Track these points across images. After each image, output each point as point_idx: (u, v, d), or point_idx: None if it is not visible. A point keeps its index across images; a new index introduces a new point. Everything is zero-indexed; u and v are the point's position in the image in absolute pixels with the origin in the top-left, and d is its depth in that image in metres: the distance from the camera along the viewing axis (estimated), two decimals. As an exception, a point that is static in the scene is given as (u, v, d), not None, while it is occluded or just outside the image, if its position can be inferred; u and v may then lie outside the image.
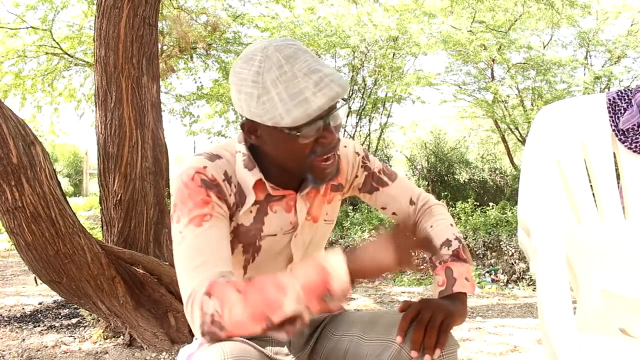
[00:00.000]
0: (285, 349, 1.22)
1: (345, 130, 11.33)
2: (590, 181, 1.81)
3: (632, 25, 10.13)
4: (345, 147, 1.31)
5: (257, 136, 1.12)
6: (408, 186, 1.37)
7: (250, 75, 1.03)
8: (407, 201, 1.34)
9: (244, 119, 1.12)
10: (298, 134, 1.04)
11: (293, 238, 1.22)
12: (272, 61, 1.02)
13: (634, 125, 1.79)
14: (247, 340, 1.05)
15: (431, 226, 1.31)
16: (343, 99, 1.08)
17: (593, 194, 1.80)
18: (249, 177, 1.15)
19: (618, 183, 1.82)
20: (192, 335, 1.31)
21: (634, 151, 1.80)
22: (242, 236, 1.17)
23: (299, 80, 1.01)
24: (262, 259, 1.21)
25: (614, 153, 1.83)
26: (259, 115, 1.04)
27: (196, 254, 1.05)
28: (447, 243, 1.25)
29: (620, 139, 1.81)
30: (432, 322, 1.07)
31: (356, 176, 1.33)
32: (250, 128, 1.12)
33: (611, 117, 1.84)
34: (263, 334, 1.00)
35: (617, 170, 1.82)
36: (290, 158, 1.11)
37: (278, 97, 1.01)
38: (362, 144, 11.54)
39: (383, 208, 1.35)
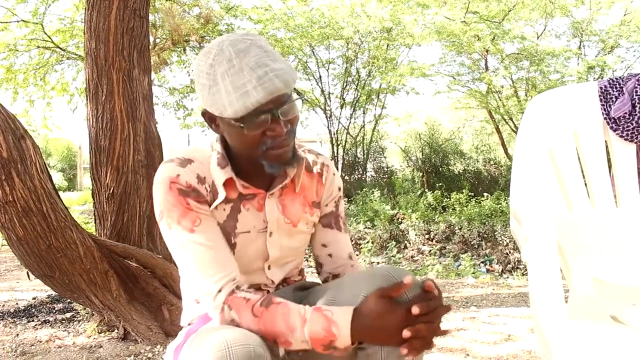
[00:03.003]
0: None
1: (339, 122, 11.34)
2: (581, 169, 1.81)
3: (625, 15, 10.14)
4: (334, 174, 1.37)
5: (217, 125, 1.18)
6: (350, 245, 1.41)
7: (205, 67, 1.10)
8: (347, 254, 1.37)
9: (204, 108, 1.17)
10: (241, 125, 1.10)
11: (268, 237, 1.25)
12: (224, 55, 1.08)
13: (625, 113, 1.78)
14: (226, 327, 1.09)
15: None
16: (297, 93, 1.14)
17: (585, 182, 1.80)
18: (220, 175, 1.19)
19: (609, 171, 1.82)
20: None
21: (626, 139, 1.80)
22: None
23: (244, 74, 1.06)
24: (239, 257, 1.22)
25: (606, 141, 1.83)
26: (209, 105, 1.11)
27: (201, 259, 1.14)
28: None
29: (611, 127, 1.81)
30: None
31: (326, 205, 1.36)
32: (209, 117, 1.18)
33: (603, 105, 1.83)
34: None
35: (608, 158, 1.82)
36: (242, 148, 1.16)
37: (225, 89, 1.07)
38: (357, 136, 11.54)
39: (323, 245, 1.36)
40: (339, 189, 1.38)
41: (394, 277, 1.12)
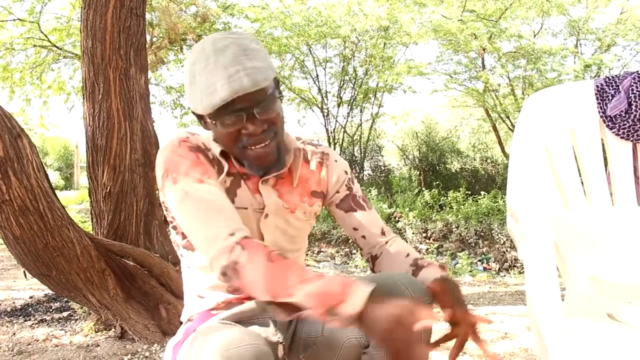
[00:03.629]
0: (271, 329, 1.23)
1: (336, 121, 11.33)
2: (578, 168, 1.81)
3: (621, 13, 10.15)
4: (336, 161, 1.37)
5: (205, 122, 1.19)
6: (379, 218, 1.41)
7: (188, 65, 1.13)
8: (379, 230, 1.37)
9: None
10: (214, 122, 1.13)
11: (262, 218, 1.25)
12: (204, 53, 1.11)
13: (622, 111, 1.79)
14: (235, 324, 1.09)
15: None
16: (279, 93, 1.15)
17: (581, 181, 1.81)
18: (216, 148, 1.22)
19: (606, 169, 1.82)
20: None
21: (622, 137, 1.80)
22: None
23: (217, 72, 1.08)
24: None
25: (602, 139, 1.84)
26: (190, 101, 1.15)
27: (211, 207, 1.09)
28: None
29: (608, 126, 1.81)
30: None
31: (337, 192, 1.36)
32: (197, 114, 1.20)
33: (599, 103, 1.84)
34: (263, 304, 1.04)
35: (604, 156, 1.83)
36: (223, 144, 1.19)
37: (199, 86, 1.10)
38: (354, 134, 11.54)
39: (354, 229, 1.37)
40: (346, 172, 1.37)
41: (403, 287, 1.12)
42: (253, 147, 1.14)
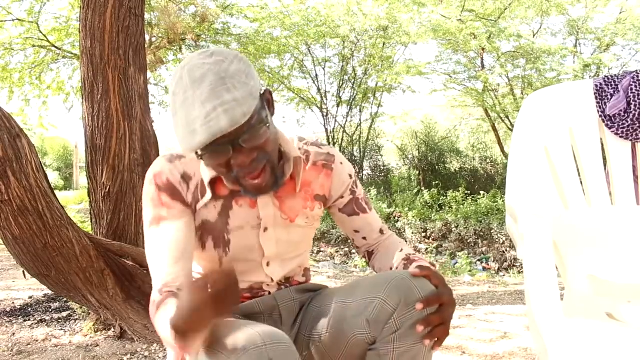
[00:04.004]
0: (278, 326, 1.23)
1: (336, 121, 11.34)
2: (577, 167, 1.81)
3: (621, 13, 10.15)
4: (341, 164, 1.35)
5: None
6: (378, 217, 1.43)
7: (170, 95, 1.08)
8: (378, 230, 1.40)
9: None
10: (200, 156, 1.09)
11: (262, 233, 1.24)
12: (182, 83, 1.05)
13: (621, 111, 1.79)
14: (253, 322, 1.09)
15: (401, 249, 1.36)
16: (260, 120, 1.07)
17: (580, 180, 1.81)
18: (206, 175, 1.19)
19: (605, 169, 1.82)
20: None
21: (621, 137, 1.80)
22: (210, 231, 1.22)
23: (195, 108, 1.02)
24: (236, 254, 1.23)
25: (601, 139, 1.83)
26: (174, 132, 1.09)
27: (156, 255, 1.16)
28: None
29: (607, 125, 1.81)
30: (448, 320, 1.13)
31: (341, 197, 1.36)
32: None
33: (598, 103, 1.84)
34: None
35: (604, 156, 1.83)
36: (217, 174, 1.16)
37: (179, 122, 1.05)
38: (353, 134, 11.54)
39: (356, 231, 1.39)
40: (350, 176, 1.36)
41: (411, 284, 1.12)
42: (247, 178, 1.11)
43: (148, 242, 1.18)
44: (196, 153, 1.09)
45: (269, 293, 1.29)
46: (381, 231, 1.40)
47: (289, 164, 1.23)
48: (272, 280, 1.29)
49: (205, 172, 1.19)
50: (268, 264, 1.27)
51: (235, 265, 1.19)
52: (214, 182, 1.20)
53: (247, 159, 1.08)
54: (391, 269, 1.32)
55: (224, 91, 1.02)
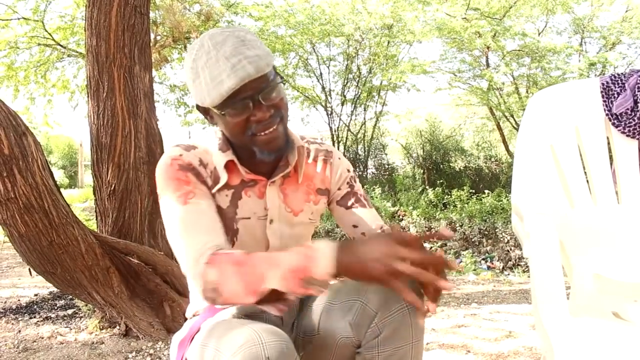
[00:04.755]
0: (279, 325, 1.23)
1: (340, 119, 11.33)
2: (583, 166, 1.80)
3: (626, 11, 10.11)
4: (339, 159, 1.38)
5: (211, 117, 1.21)
6: (379, 216, 1.42)
7: (189, 62, 1.14)
8: (378, 227, 1.37)
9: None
10: (223, 113, 1.13)
11: (268, 224, 1.26)
12: (204, 48, 1.12)
13: (627, 109, 1.78)
14: (252, 320, 1.10)
15: None
16: (280, 77, 1.16)
17: (586, 179, 1.80)
18: (221, 159, 1.23)
19: (611, 167, 1.82)
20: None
21: (627, 135, 1.79)
22: (221, 218, 1.22)
23: (220, 64, 1.09)
24: (241, 243, 1.24)
25: (607, 137, 1.83)
26: (195, 97, 1.15)
27: (190, 228, 1.13)
28: None
29: (613, 123, 1.81)
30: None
31: (339, 189, 1.38)
32: (202, 110, 1.21)
33: (605, 101, 1.83)
34: (256, 304, 1.06)
35: (610, 154, 1.82)
36: (231, 135, 1.20)
37: (204, 80, 1.11)
38: (357, 133, 11.53)
39: (354, 226, 1.36)
40: (348, 170, 1.39)
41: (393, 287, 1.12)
42: (262, 133, 1.15)
43: (176, 218, 1.14)
44: (219, 111, 1.13)
45: None
46: (381, 229, 1.37)
47: (294, 153, 1.27)
48: None
49: (220, 157, 1.23)
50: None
51: None
52: (230, 168, 1.23)
53: (265, 114, 1.13)
54: None
55: (245, 49, 1.10)
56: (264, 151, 1.19)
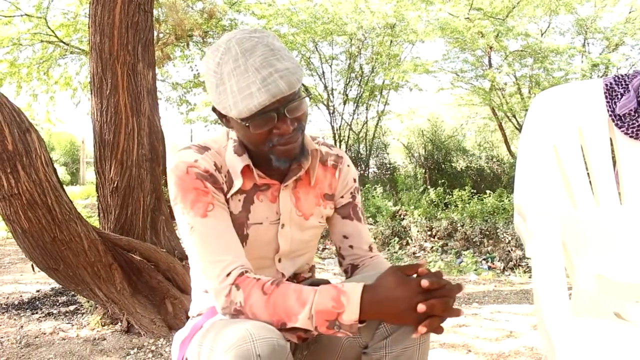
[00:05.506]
0: None
1: (342, 118, 11.33)
2: (586, 166, 1.81)
3: (630, 12, 10.10)
4: (348, 166, 1.37)
5: (227, 120, 1.18)
6: (369, 234, 1.42)
7: (213, 66, 1.10)
8: (367, 246, 1.38)
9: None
10: (247, 125, 1.11)
11: (280, 229, 1.25)
12: (231, 54, 1.08)
13: (631, 110, 1.78)
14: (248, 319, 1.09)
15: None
16: (305, 89, 1.15)
17: (589, 180, 1.80)
18: (237, 162, 1.20)
19: (614, 168, 1.82)
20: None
21: (631, 136, 1.80)
22: (232, 223, 1.20)
23: (249, 75, 1.06)
24: (251, 248, 1.23)
25: (611, 138, 1.83)
26: (216, 102, 1.12)
27: (212, 243, 1.12)
28: None
29: (616, 125, 1.81)
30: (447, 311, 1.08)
31: (342, 196, 1.37)
32: (219, 113, 1.18)
33: (608, 102, 1.83)
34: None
35: (613, 155, 1.82)
36: (250, 144, 1.18)
37: (230, 89, 1.08)
38: (359, 132, 11.53)
39: (345, 237, 1.37)
40: (354, 180, 1.38)
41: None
42: (282, 146, 1.14)
43: (199, 232, 1.13)
44: (242, 121, 1.11)
45: None
46: (370, 248, 1.38)
47: (307, 156, 1.25)
48: (283, 276, 1.29)
49: (236, 161, 1.20)
50: (280, 260, 1.28)
51: (249, 260, 1.20)
52: (242, 172, 1.21)
53: (288, 127, 1.12)
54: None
55: (275, 60, 1.07)
56: (280, 159, 1.17)
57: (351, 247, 1.37)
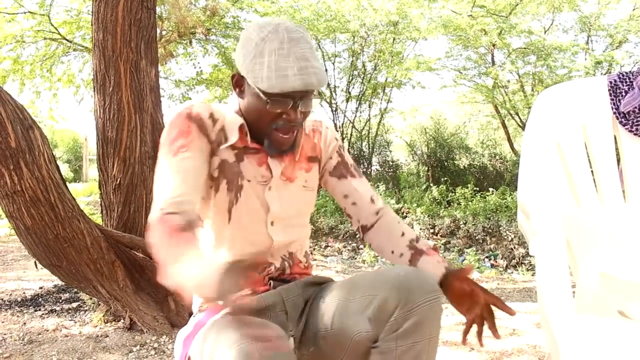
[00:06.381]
0: (284, 322, 1.26)
1: (345, 116, 11.32)
2: (590, 164, 1.80)
3: (634, 9, 10.05)
4: (327, 128, 1.44)
5: (241, 90, 1.27)
6: (369, 185, 1.48)
7: (256, 39, 1.19)
8: (368, 198, 1.45)
9: (236, 70, 1.27)
10: (268, 100, 1.19)
11: (267, 190, 1.30)
12: (278, 36, 1.17)
13: (635, 108, 1.77)
14: (256, 319, 1.11)
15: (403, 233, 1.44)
16: (318, 93, 1.16)
17: (593, 177, 1.79)
18: (237, 120, 1.28)
19: (618, 166, 1.81)
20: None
21: (635, 134, 1.79)
22: (227, 171, 1.27)
23: (290, 60, 1.16)
24: (244, 204, 1.28)
25: (615, 136, 1.82)
26: (247, 70, 1.19)
27: (165, 180, 1.20)
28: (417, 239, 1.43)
29: (621, 122, 1.80)
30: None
31: (330, 158, 1.43)
32: (238, 81, 1.27)
33: (612, 99, 1.82)
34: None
35: (617, 153, 1.82)
36: (257, 118, 1.25)
37: (267, 64, 1.16)
38: (362, 129, 11.52)
39: (345, 196, 1.44)
40: (336, 139, 1.45)
41: (412, 283, 1.15)
42: (281, 133, 1.24)
43: (163, 167, 1.21)
44: (266, 97, 1.18)
45: (274, 269, 1.31)
46: (372, 200, 1.44)
47: (297, 149, 1.34)
48: (273, 242, 1.30)
49: (235, 118, 1.28)
50: (272, 223, 1.30)
51: (241, 225, 1.27)
52: (240, 130, 1.28)
53: (295, 117, 1.22)
54: (392, 252, 1.39)
55: (312, 58, 1.19)
56: (272, 146, 1.27)
57: (354, 204, 1.44)
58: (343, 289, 1.24)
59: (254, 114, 1.25)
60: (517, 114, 10.68)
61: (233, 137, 1.27)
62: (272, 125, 1.23)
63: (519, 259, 7.00)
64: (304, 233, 1.39)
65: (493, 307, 1.32)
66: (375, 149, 11.78)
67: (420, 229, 8.02)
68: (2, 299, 3.75)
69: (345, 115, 11.35)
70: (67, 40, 8.97)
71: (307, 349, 1.26)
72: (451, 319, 3.29)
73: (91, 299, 3.33)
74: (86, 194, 11.41)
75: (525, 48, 10.00)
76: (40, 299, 3.71)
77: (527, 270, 6.43)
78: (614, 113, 1.81)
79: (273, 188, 1.31)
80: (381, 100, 11.55)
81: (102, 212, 3.34)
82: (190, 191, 1.19)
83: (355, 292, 1.20)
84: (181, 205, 1.16)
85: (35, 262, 2.87)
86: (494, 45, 9.90)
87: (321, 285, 1.35)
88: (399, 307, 1.13)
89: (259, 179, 1.29)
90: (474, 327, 1.33)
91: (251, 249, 1.28)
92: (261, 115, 1.23)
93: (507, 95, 10.50)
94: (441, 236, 7.99)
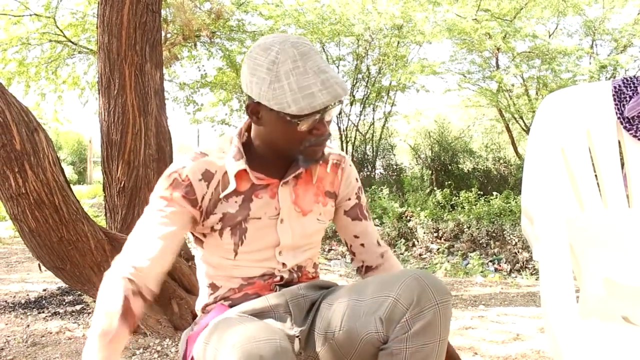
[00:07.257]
0: (288, 323, 1.26)
1: (349, 119, 11.33)
2: (594, 169, 1.80)
3: (638, 14, 10.04)
4: (350, 166, 1.43)
5: (259, 118, 1.22)
6: (375, 228, 1.51)
7: (266, 63, 1.15)
8: (375, 240, 1.47)
9: (248, 100, 1.22)
10: (298, 122, 1.17)
11: (278, 223, 1.29)
12: (288, 54, 1.14)
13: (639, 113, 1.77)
14: (252, 317, 1.16)
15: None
16: (339, 100, 1.21)
17: (597, 182, 1.79)
18: (233, 167, 1.25)
19: (622, 171, 1.81)
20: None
21: (639, 139, 1.78)
22: (229, 222, 1.26)
23: (309, 77, 1.13)
24: (250, 242, 1.27)
25: (619, 141, 1.82)
26: (267, 99, 1.15)
27: (138, 238, 1.24)
28: None
29: (625, 127, 1.80)
30: None
31: (348, 199, 1.43)
32: (254, 109, 1.22)
33: (616, 104, 1.82)
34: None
35: (621, 158, 1.81)
36: (284, 141, 1.23)
37: (288, 87, 1.13)
38: (366, 133, 11.52)
39: (355, 237, 1.45)
40: (357, 179, 1.45)
41: (424, 283, 1.15)
42: (316, 146, 1.23)
43: (142, 221, 1.25)
44: (296, 120, 1.17)
45: (281, 279, 1.31)
46: (378, 243, 1.48)
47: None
48: (285, 266, 1.31)
49: (232, 165, 1.25)
50: (280, 253, 1.31)
51: (248, 255, 1.27)
52: (237, 177, 1.26)
53: (325, 130, 1.22)
54: None
55: (327, 68, 1.17)
56: (308, 159, 1.25)
57: (362, 245, 1.45)
58: (353, 290, 1.25)
59: (282, 139, 1.22)
60: (521, 117, 10.67)
61: (231, 185, 1.25)
62: (305, 144, 1.22)
63: (523, 263, 6.99)
64: (314, 252, 1.40)
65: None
66: (379, 153, 11.78)
67: (424, 233, 8.01)
68: (5, 301, 3.76)
69: (349, 119, 11.36)
70: (73, 42, 9.01)
71: (313, 350, 1.26)
72: (454, 323, 3.28)
73: (94, 301, 3.34)
74: (90, 197, 11.44)
75: (529, 52, 10.00)
76: (43, 302, 3.71)
77: (531, 274, 6.41)
78: (618, 118, 1.81)
79: (285, 220, 1.30)
80: (385, 103, 11.56)
81: (106, 214, 3.34)
82: (154, 262, 1.21)
83: (366, 293, 1.20)
84: (138, 274, 1.19)
85: (39, 265, 2.88)
86: (498, 49, 9.89)
87: (327, 288, 1.35)
88: (411, 309, 1.13)
89: (271, 213, 1.28)
90: None
91: (258, 273, 1.30)
92: (290, 137, 1.21)
93: (511, 99, 10.49)
94: (445, 240, 7.99)
